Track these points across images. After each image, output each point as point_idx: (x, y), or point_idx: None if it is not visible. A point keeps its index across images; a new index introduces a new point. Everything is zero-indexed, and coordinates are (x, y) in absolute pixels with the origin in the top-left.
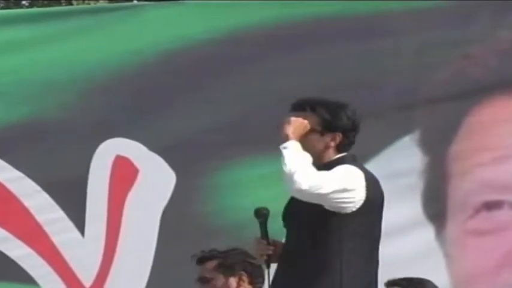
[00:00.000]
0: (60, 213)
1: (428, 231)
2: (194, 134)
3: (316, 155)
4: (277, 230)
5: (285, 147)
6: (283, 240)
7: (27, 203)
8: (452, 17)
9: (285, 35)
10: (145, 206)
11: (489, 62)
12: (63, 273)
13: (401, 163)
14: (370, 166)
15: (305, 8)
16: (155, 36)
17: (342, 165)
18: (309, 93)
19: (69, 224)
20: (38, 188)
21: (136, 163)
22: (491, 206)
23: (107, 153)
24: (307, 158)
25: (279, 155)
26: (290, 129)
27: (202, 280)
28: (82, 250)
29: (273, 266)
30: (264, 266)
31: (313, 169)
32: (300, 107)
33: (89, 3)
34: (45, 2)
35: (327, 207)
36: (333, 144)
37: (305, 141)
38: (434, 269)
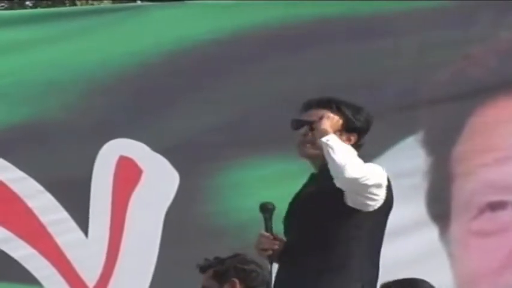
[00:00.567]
0: (63, 214)
1: (432, 232)
2: (196, 134)
3: None
4: (279, 231)
5: (328, 140)
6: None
7: (30, 203)
8: (453, 17)
9: (289, 35)
10: (148, 207)
11: (489, 62)
12: (66, 274)
13: (405, 164)
14: None
15: (310, 8)
16: (158, 37)
17: (368, 163)
18: (310, 93)
19: (73, 225)
20: (42, 188)
21: (140, 164)
22: (495, 206)
23: (110, 153)
24: (352, 150)
25: (280, 155)
26: (328, 124)
27: None
28: (85, 250)
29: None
30: (268, 261)
31: (361, 160)
32: (325, 104)
33: (92, 4)
34: (49, 3)
35: (349, 203)
36: (347, 144)
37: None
38: (438, 269)
